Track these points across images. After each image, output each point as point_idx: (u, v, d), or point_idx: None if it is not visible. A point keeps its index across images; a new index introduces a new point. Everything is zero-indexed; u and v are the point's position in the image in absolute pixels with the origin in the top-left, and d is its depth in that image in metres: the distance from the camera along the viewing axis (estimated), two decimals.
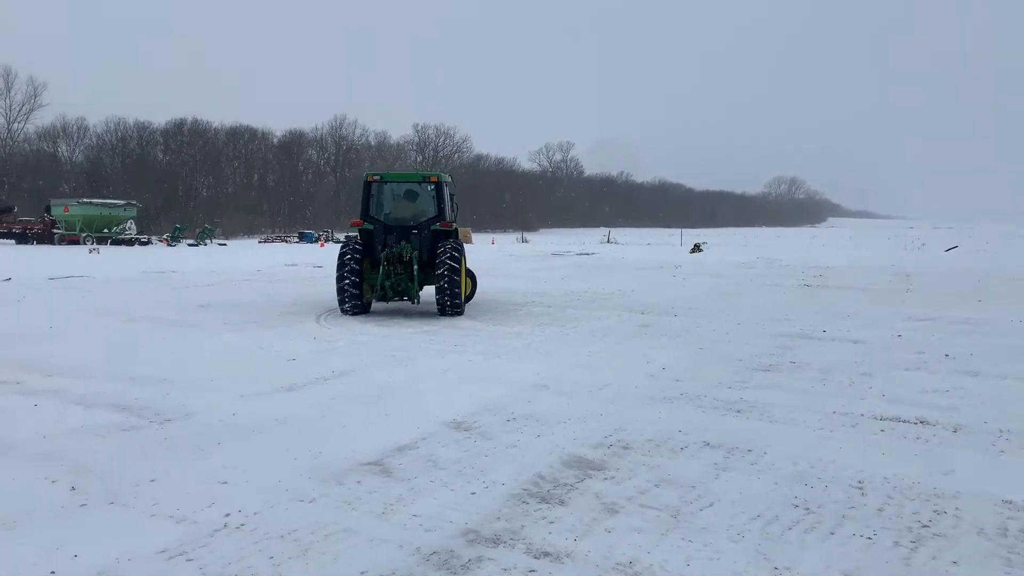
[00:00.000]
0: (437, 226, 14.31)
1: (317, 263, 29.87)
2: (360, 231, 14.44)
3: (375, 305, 14.93)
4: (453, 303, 13.79)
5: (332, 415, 7.07)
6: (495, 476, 5.44)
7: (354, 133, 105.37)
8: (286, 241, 65.17)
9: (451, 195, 15.03)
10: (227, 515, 4.70)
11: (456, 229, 14.72)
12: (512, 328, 12.55)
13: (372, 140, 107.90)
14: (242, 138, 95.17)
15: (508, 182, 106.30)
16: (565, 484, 5.31)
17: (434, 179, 14.68)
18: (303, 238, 66.02)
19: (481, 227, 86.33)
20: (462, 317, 13.83)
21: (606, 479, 5.42)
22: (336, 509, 4.84)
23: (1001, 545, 4.39)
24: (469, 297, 15.41)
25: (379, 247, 14.17)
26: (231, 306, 15.22)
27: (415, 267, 13.82)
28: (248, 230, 79.07)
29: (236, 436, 6.36)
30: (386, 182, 14.81)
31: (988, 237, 65.63)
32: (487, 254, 38.20)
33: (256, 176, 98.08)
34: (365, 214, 14.50)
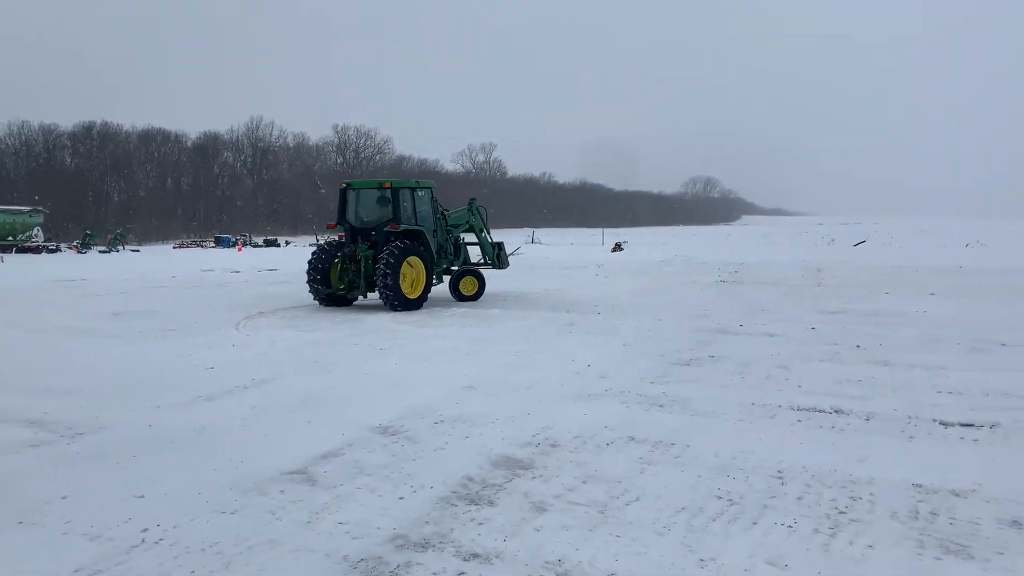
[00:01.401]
0: (388, 228, 15.23)
1: (235, 268, 29.16)
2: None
3: (303, 308, 15.28)
4: (388, 297, 14.75)
5: (253, 424, 6.90)
6: (423, 480, 5.40)
7: (271, 134, 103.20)
8: (202, 246, 63.40)
9: (432, 200, 16.44)
10: (145, 530, 4.54)
11: (418, 230, 15.62)
12: (438, 330, 12.49)
13: (290, 141, 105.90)
14: (155, 141, 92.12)
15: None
16: (494, 484, 5.31)
17: (388, 184, 15.76)
18: (220, 243, 64.31)
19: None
20: (389, 320, 13.74)
21: (534, 478, 5.44)
22: (259, 520, 4.72)
23: (913, 527, 4.57)
24: (476, 295, 16.72)
25: (348, 248, 15.56)
26: (145, 314, 14.73)
27: (362, 266, 15.15)
28: (162, 235, 76.58)
29: (153, 448, 6.15)
30: (354, 189, 16.17)
31: (894, 231, 68.47)
32: None
33: (170, 180, 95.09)
34: (340, 218, 16.10)
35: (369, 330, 12.55)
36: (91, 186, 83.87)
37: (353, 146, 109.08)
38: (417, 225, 15.75)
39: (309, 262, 15.77)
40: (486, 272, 17.83)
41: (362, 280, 15.29)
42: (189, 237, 74.49)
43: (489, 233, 17.97)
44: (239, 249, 54.33)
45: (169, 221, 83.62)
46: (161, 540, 4.42)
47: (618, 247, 44.84)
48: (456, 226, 17.40)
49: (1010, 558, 4.17)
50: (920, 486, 5.22)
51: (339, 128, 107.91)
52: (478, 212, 17.62)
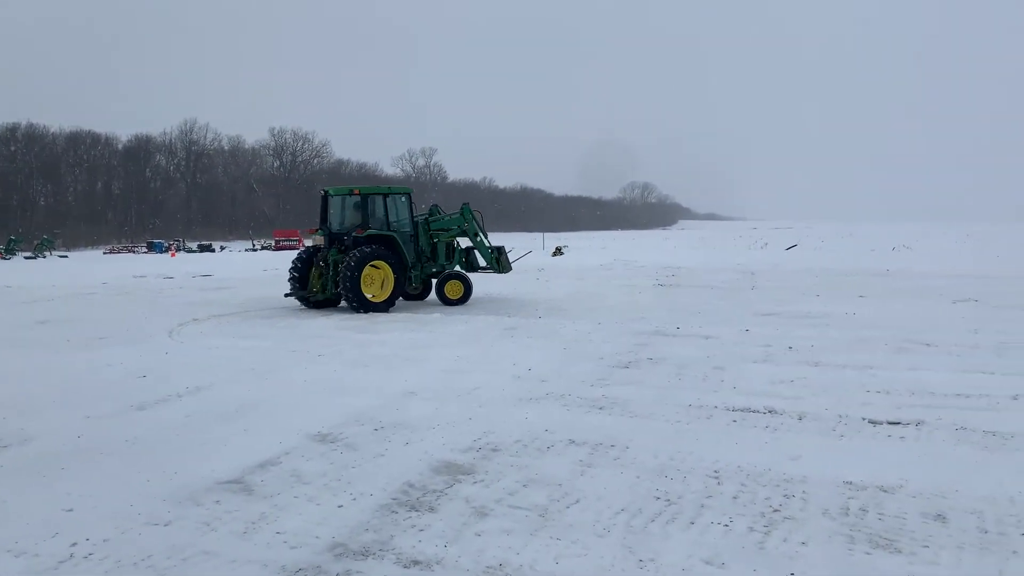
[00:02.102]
0: (355, 233, 15.75)
1: (168, 274, 28.47)
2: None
3: (239, 314, 15.04)
4: (349, 300, 15.24)
5: (187, 433, 6.75)
6: (363, 487, 5.35)
7: (205, 137, 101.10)
8: (134, 251, 61.75)
9: (410, 206, 16.85)
10: (73, 544, 4.40)
11: (389, 236, 15.98)
12: (378, 336, 12.39)
13: (225, 145, 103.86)
14: (83, 143, 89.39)
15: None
16: (435, 490, 5.29)
17: (356, 192, 16.34)
18: (153, 248, 62.77)
19: None
20: (329, 326, 13.60)
21: (475, 483, 5.44)
22: (194, 531, 4.62)
23: (844, 524, 4.70)
24: (463, 299, 16.81)
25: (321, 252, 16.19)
26: (74, 321, 14.28)
27: (330, 271, 15.77)
28: (92, 241, 74.35)
29: (82, 460, 5.97)
30: (332, 195, 16.61)
31: (824, 236, 70.35)
32: None
33: (100, 184, 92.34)
34: (321, 224, 16.52)
35: (308, 336, 12.38)
36: (16, 190, 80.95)
37: (290, 149, 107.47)
38: (389, 231, 16.13)
39: (290, 268, 16.53)
40: (490, 276, 18.04)
41: (330, 284, 15.74)
42: (120, 242, 72.42)
43: (486, 237, 17.90)
44: (172, 254, 53.12)
45: (99, 226, 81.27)
46: (91, 554, 4.30)
47: (558, 251, 45.12)
48: (445, 231, 17.43)
49: (934, 551, 4.32)
50: (850, 483, 5.38)
51: (276, 131, 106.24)
52: (471, 217, 17.55)
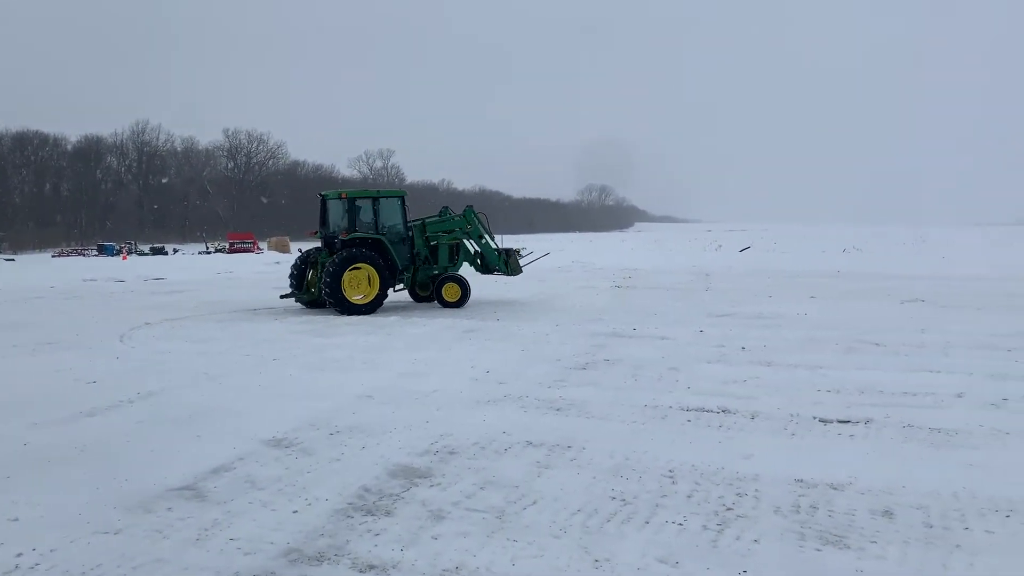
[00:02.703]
0: (340, 236, 15.96)
1: (119, 277, 27.90)
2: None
3: (193, 318, 14.76)
4: (329, 302, 15.49)
5: (139, 439, 6.64)
6: (318, 492, 5.31)
7: (158, 139, 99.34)
8: (84, 254, 60.42)
9: (402, 209, 16.93)
10: (19, 555, 4.30)
11: (376, 239, 16.08)
12: (334, 339, 12.30)
13: (179, 146, 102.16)
14: (31, 144, 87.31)
15: (328, 189, 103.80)
16: (391, 494, 5.27)
17: (344, 195, 16.48)
18: (103, 251, 61.50)
19: (301, 236, 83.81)
20: (285, 330, 13.47)
21: (432, 486, 5.44)
22: (145, 539, 4.55)
23: (795, 521, 4.79)
24: (460, 302, 16.65)
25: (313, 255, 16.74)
26: (21, 326, 13.92)
27: (319, 272, 16.05)
28: (40, 243, 72.58)
29: (29, 468, 5.84)
30: (328, 199, 16.91)
31: (776, 238, 71.47)
32: None
33: (48, 185, 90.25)
34: (321, 226, 16.93)
35: (263, 340, 12.24)
36: None
37: (245, 151, 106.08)
38: (378, 234, 16.23)
39: (291, 267, 17.09)
40: (497, 278, 18.14)
41: (319, 285, 15.93)
42: (70, 245, 70.85)
43: (492, 239, 17.82)
44: (124, 257, 52.07)
45: (48, 228, 79.40)
46: (37, 565, 4.20)
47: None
48: (446, 233, 17.39)
49: (881, 546, 4.42)
50: (801, 481, 5.48)
51: (230, 132, 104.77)
52: (475, 218, 17.46)
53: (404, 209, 17.05)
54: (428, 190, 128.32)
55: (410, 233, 17.02)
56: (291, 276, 16.83)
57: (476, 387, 8.60)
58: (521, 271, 18.23)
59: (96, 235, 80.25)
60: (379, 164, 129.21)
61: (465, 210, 17.68)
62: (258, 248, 60.60)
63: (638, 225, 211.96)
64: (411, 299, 17.91)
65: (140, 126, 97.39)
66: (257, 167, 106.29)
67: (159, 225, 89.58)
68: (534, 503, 5.09)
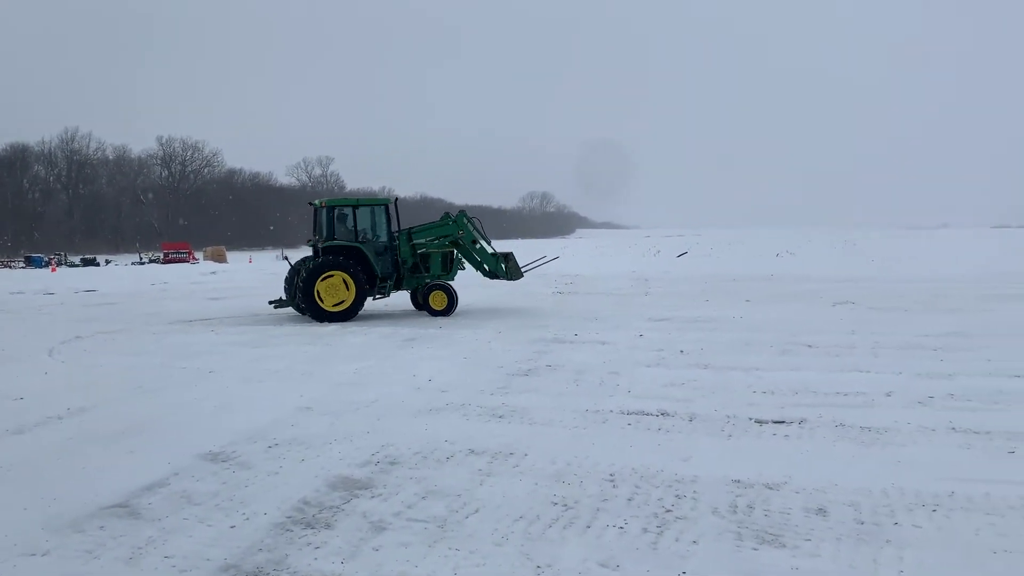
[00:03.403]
0: (319, 244, 16.27)
1: (48, 290, 27.02)
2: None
3: (125, 331, 14.42)
4: (303, 310, 15.91)
5: (69, 457, 6.43)
6: (256, 507, 5.22)
7: (88, 146, 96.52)
8: (10, 266, 58.29)
9: (387, 217, 16.92)
10: None
11: (355, 247, 16.19)
12: (273, 350, 12.11)
13: (110, 154, 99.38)
14: None
15: (266, 198, 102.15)
16: (331, 507, 5.21)
17: (323, 204, 16.81)
18: (31, 263, 59.42)
19: (239, 245, 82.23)
20: (222, 342, 13.20)
21: (373, 497, 5.39)
22: (75, 560, 4.41)
23: (732, 521, 4.88)
24: (448, 310, 16.50)
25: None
26: None
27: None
28: None
29: None
30: (317, 208, 17.08)
31: (713, 243, 72.76)
32: (243, 275, 36.55)
33: None
34: (313, 235, 17.15)
35: (199, 352, 11.97)
36: None
37: (179, 159, 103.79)
38: (358, 241, 16.35)
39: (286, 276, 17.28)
40: (499, 282, 18.08)
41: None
42: None
43: (488, 243, 17.58)
44: (53, 269, 50.40)
45: None
46: None
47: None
48: (437, 239, 17.20)
49: (815, 543, 4.54)
50: (738, 481, 5.59)
51: (164, 140, 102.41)
52: (466, 224, 17.24)
53: (389, 217, 17.00)
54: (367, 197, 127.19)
55: (396, 241, 16.94)
56: (285, 284, 16.91)
57: (418, 396, 8.56)
58: (521, 275, 17.91)
59: (23, 247, 77.51)
60: (318, 172, 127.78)
61: (457, 215, 17.44)
62: (194, 258, 59.34)
63: (579, 232, 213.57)
64: (413, 307, 17.83)
65: (69, 134, 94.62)
66: (192, 175, 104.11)
67: (90, 235, 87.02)
68: (476, 511, 5.09)
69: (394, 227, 17.11)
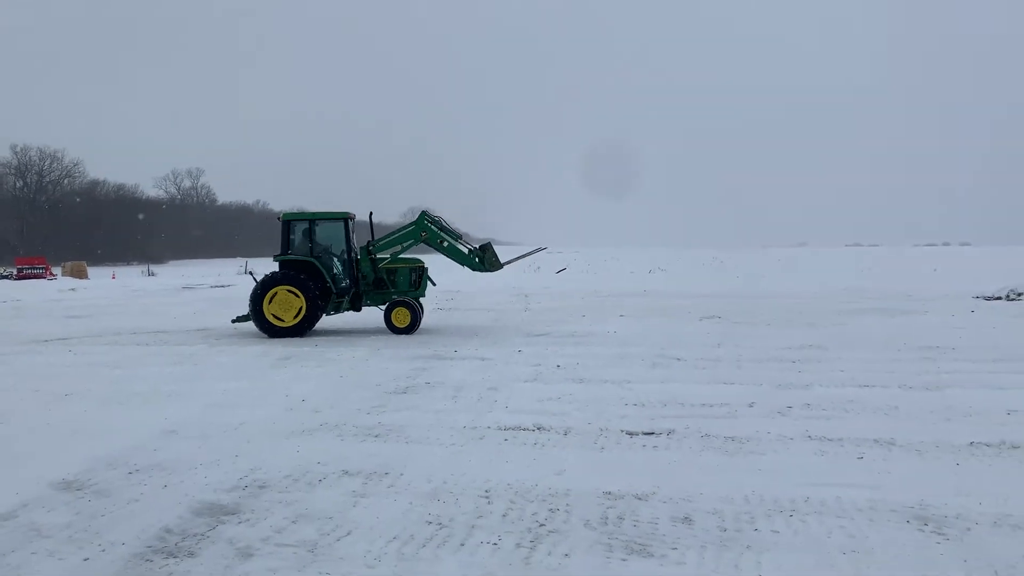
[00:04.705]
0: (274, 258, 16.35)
1: None
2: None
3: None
4: (256, 324, 15.61)
5: None
6: (113, 537, 4.95)
7: None
8: None
9: (346, 231, 16.54)
10: None
11: (307, 261, 15.97)
12: (137, 370, 11.52)
13: None
14: None
15: (131, 211, 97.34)
16: (195, 534, 5.00)
17: (279, 218, 16.55)
18: None
19: (101, 260, 77.92)
20: (81, 362, 12.45)
21: (240, 522, 5.21)
22: None
23: (603, 533, 5.00)
24: (411, 328, 15.93)
25: None
26: None
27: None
28: None
29: None
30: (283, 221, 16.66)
31: (590, 260, 74.47)
32: (106, 291, 34.65)
33: None
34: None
35: (54, 374, 11.25)
36: None
37: (36, 169, 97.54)
38: (312, 256, 16.03)
39: None
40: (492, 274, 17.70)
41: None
42: None
43: (457, 239, 16.75)
44: None
45: None
46: None
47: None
48: (400, 247, 16.63)
49: (681, 552, 4.70)
50: (609, 493, 5.72)
51: (18, 149, 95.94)
52: (428, 225, 16.50)
53: (348, 231, 16.56)
54: (241, 211, 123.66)
55: (354, 255, 16.50)
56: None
57: (290, 417, 8.34)
58: (501, 266, 16.91)
59: None
60: (187, 184, 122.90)
61: (418, 217, 16.82)
62: (51, 274, 55.74)
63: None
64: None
65: None
66: (50, 187, 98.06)
67: None
68: (348, 533, 5.00)
69: (357, 241, 16.75)
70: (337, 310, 16.69)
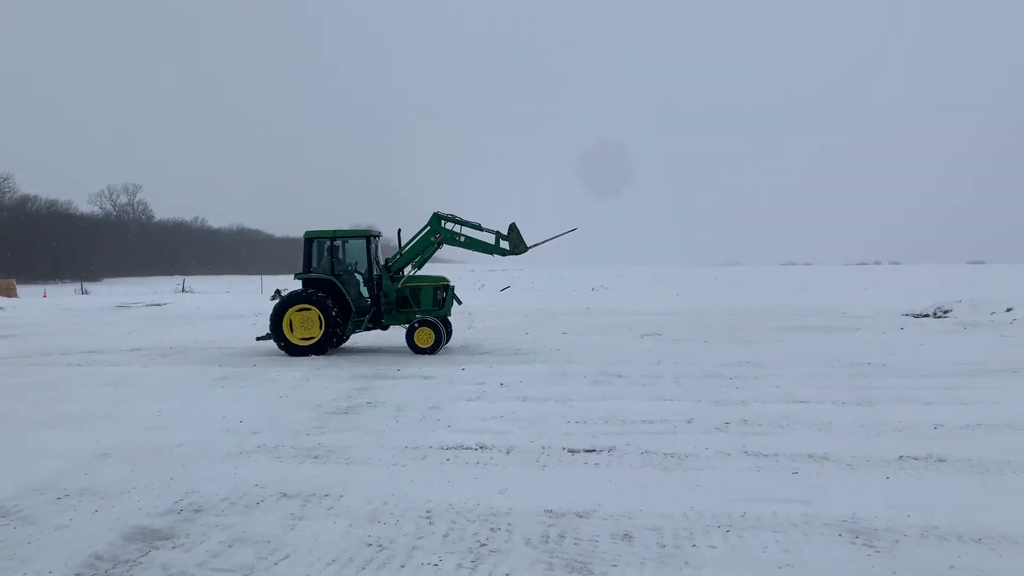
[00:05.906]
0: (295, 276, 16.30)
1: None
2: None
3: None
4: (275, 341, 15.56)
5: None
6: (40, 565, 4.79)
7: None
8: None
9: (368, 248, 16.21)
10: None
11: (326, 279, 15.78)
12: (68, 391, 11.17)
13: None
14: None
15: (64, 227, 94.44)
16: (127, 560, 4.87)
17: (304, 236, 16.26)
18: None
19: (33, 278, 75.27)
20: (11, 384, 12.01)
21: (175, 547, 5.09)
22: None
23: (544, 551, 5.01)
24: (434, 348, 15.41)
25: None
26: None
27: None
28: None
29: None
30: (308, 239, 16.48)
31: (534, 277, 74.86)
32: (36, 310, 33.53)
33: None
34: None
35: None
36: None
37: None
38: (332, 274, 15.80)
39: None
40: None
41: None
42: None
43: (479, 229, 16.18)
44: None
45: None
46: None
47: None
48: (419, 256, 16.28)
49: (621, 569, 4.74)
50: (551, 511, 5.75)
51: None
52: (442, 226, 16.04)
53: (370, 248, 16.27)
54: (179, 229, 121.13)
55: (377, 274, 16.22)
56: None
57: (227, 438, 8.18)
58: (527, 248, 16.06)
59: None
60: (124, 200, 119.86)
61: (430, 219, 16.25)
62: None
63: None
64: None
65: None
66: None
67: None
68: (286, 557, 4.92)
69: (379, 260, 16.52)
70: (357, 329, 16.21)
